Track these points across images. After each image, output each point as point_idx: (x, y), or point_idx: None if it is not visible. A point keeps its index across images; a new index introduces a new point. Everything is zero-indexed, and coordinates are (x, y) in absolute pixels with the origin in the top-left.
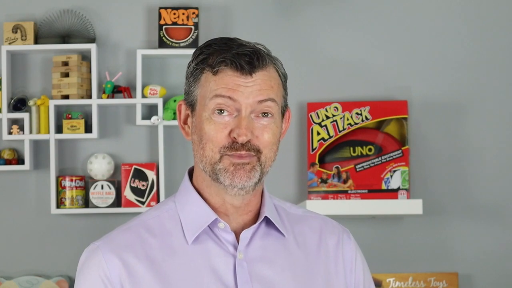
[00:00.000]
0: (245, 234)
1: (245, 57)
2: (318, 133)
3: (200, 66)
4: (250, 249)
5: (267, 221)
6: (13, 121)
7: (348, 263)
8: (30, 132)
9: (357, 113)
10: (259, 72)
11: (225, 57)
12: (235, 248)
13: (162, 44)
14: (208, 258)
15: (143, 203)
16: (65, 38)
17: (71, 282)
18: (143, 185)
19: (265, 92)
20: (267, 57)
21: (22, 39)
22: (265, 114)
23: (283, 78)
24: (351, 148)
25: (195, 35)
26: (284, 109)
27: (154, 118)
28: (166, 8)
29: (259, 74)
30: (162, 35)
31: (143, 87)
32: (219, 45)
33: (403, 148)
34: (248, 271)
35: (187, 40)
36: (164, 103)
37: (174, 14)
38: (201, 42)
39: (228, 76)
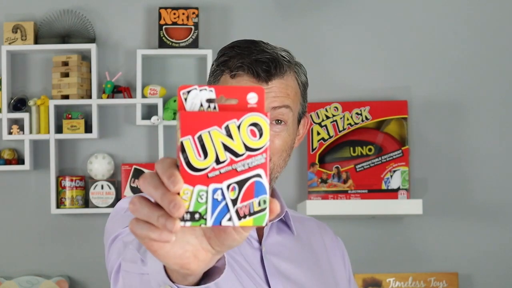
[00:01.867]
0: (267, 227)
1: (262, 64)
2: (318, 133)
3: (220, 68)
4: (267, 243)
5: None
6: (13, 121)
7: (344, 255)
8: (30, 132)
9: (357, 113)
10: (276, 80)
11: (243, 63)
12: (257, 241)
13: (162, 44)
14: (237, 248)
15: None
16: (65, 38)
17: (71, 282)
18: None
19: (279, 99)
20: (287, 65)
21: (22, 39)
22: (278, 121)
23: (302, 86)
24: (351, 148)
25: (195, 35)
26: (300, 116)
27: (154, 118)
28: (166, 8)
29: (276, 82)
30: (162, 35)
31: (143, 87)
32: (241, 49)
33: (403, 148)
34: (272, 264)
35: (187, 40)
36: (164, 103)
37: (174, 14)
38: (201, 42)
39: (244, 81)
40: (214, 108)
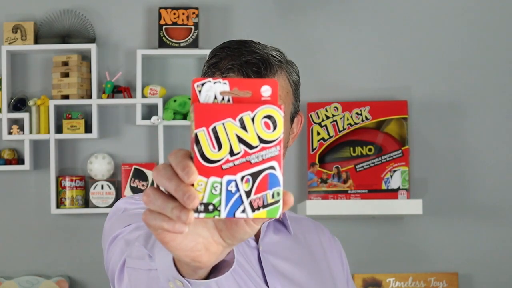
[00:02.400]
0: (264, 225)
1: (253, 66)
2: (318, 133)
3: (211, 70)
4: (264, 242)
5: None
6: (13, 121)
7: (342, 255)
8: (30, 132)
9: (357, 113)
10: None
11: (233, 65)
12: (254, 240)
13: (162, 44)
14: (235, 247)
15: None
16: (65, 38)
17: (71, 282)
18: (143, 185)
19: None
20: (277, 65)
21: (22, 39)
22: None
23: (294, 85)
24: (351, 148)
25: (195, 35)
26: (293, 115)
27: (154, 118)
28: (166, 8)
29: None
30: (162, 35)
31: (143, 87)
32: (231, 50)
33: (403, 148)
34: (270, 263)
35: (187, 40)
36: (164, 103)
37: (174, 14)
38: (201, 42)
39: None
40: (228, 100)
